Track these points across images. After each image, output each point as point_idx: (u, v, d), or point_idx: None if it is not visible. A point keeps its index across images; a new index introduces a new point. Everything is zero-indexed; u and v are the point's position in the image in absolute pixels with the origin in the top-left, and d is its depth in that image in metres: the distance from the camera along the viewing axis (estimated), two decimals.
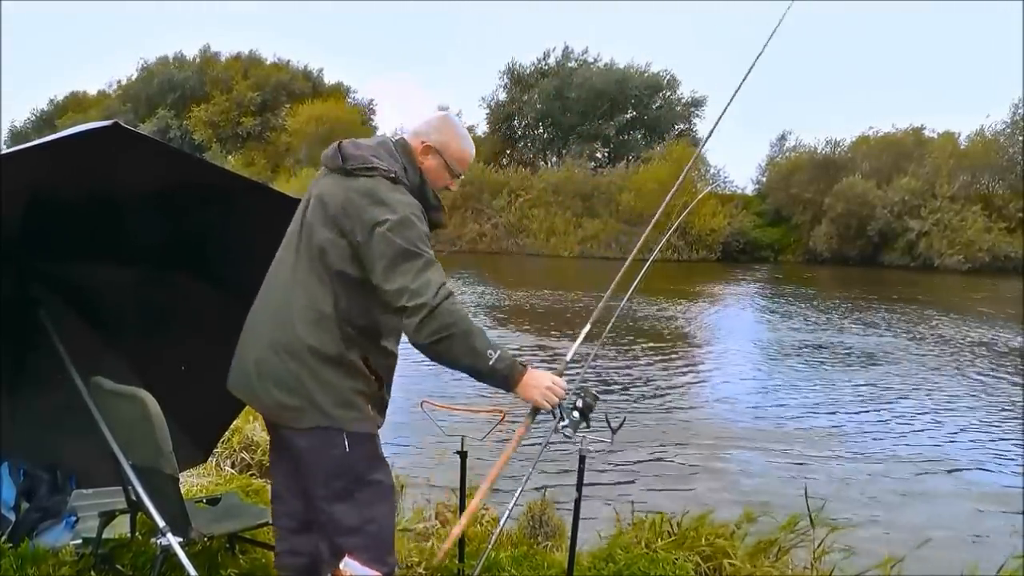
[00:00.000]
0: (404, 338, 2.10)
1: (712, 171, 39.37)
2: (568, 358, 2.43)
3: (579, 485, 2.65)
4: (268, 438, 2.37)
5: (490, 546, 2.86)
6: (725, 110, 2.65)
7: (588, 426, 2.20)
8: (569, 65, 44.50)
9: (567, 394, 2.16)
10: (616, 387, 9.39)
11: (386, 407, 2.18)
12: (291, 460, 2.15)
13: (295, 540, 2.27)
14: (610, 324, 2.83)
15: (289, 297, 2.08)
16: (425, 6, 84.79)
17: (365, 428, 2.07)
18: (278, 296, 2.11)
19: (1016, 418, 8.54)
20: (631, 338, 13.04)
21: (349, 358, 2.04)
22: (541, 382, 2.13)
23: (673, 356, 11.88)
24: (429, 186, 2.18)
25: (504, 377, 2.08)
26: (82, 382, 2.63)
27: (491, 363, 2.03)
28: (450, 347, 1.99)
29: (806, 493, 3.66)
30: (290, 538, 2.28)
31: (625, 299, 2.89)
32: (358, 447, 2.05)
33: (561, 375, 2.22)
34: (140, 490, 2.50)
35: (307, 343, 2.00)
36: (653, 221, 2.84)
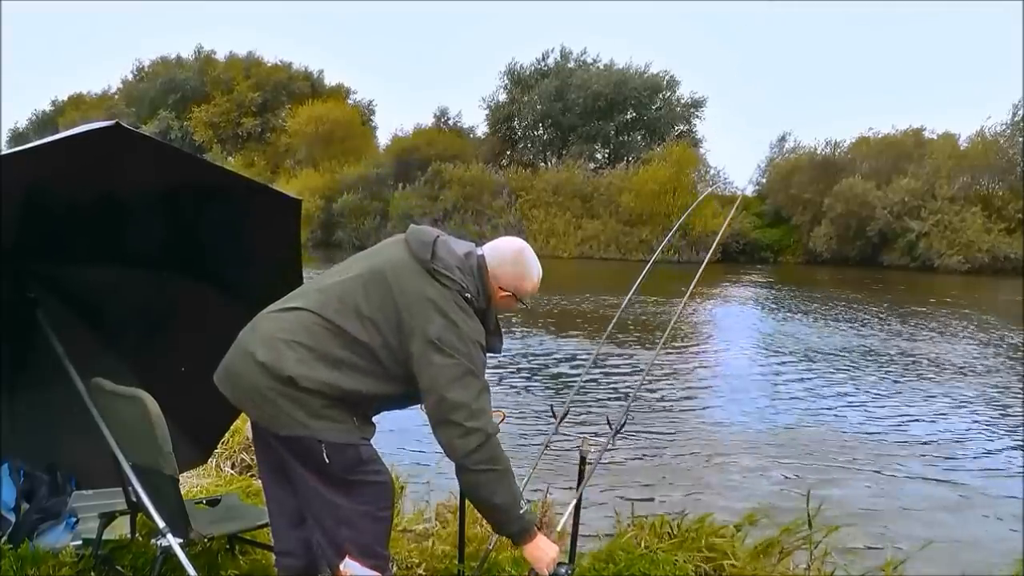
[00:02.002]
0: None
1: (712, 172, 39.46)
2: (559, 528, 2.54)
3: (580, 485, 2.64)
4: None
5: (490, 547, 2.86)
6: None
7: None
8: (568, 66, 44.54)
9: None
10: (618, 387, 9.39)
11: (371, 418, 2.15)
12: (276, 458, 2.14)
13: (292, 539, 2.27)
14: (668, 329, 3.13)
15: (298, 328, 2.06)
16: (425, 6, 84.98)
17: (347, 439, 2.03)
18: (290, 319, 2.09)
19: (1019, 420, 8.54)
20: (633, 338, 13.04)
21: (324, 393, 2.01)
22: (549, 552, 2.19)
23: (675, 356, 11.87)
24: (493, 311, 2.20)
25: (524, 530, 2.15)
26: (82, 383, 2.63)
27: (520, 511, 2.11)
28: (491, 481, 2.05)
29: (808, 498, 3.65)
30: (287, 537, 2.27)
31: (682, 304, 3.01)
32: (341, 455, 2.02)
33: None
34: (140, 491, 2.50)
35: (287, 374, 1.98)
36: (717, 241, 2.92)
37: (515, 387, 9.50)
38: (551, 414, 2.92)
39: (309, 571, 2.26)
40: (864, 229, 32.46)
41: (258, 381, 2.02)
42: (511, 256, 2.22)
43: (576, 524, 2.74)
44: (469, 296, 2.09)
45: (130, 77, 53.17)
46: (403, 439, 6.18)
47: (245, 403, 2.10)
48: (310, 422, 1.99)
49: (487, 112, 45.78)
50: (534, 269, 2.25)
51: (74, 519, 3.21)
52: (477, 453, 2.01)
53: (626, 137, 43.64)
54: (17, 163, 2.18)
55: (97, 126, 2.13)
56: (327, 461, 2.00)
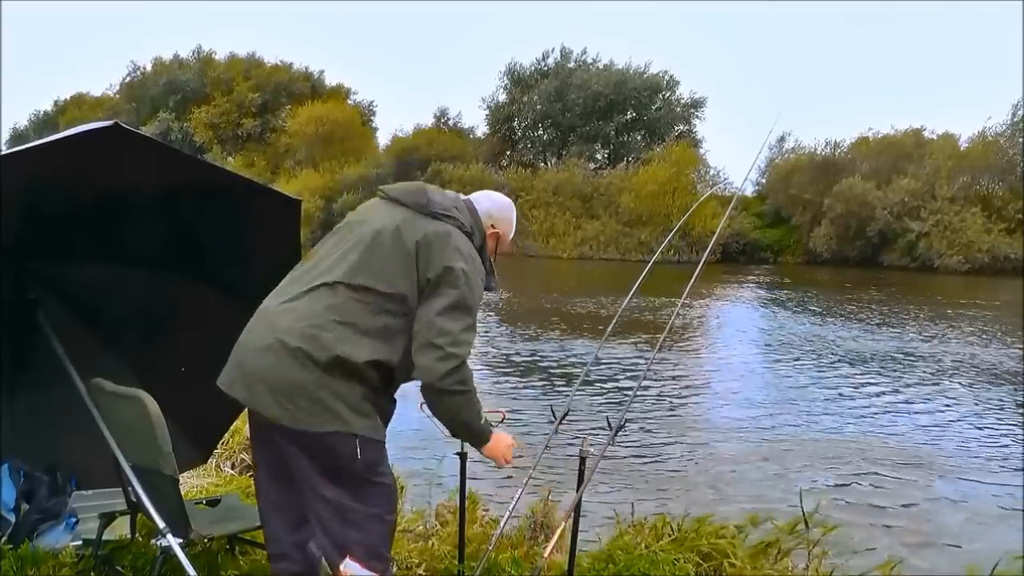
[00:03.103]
0: None
1: (712, 173, 39.45)
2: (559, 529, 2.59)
3: (580, 486, 2.64)
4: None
5: (490, 547, 2.86)
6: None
7: None
8: (568, 66, 44.55)
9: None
10: (617, 387, 9.39)
11: (389, 421, 2.21)
12: (278, 458, 2.14)
13: (289, 543, 2.26)
14: (668, 328, 3.38)
15: (323, 309, 2.06)
16: (425, 6, 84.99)
17: (376, 435, 2.10)
18: (310, 303, 2.08)
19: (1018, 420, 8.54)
20: (633, 338, 13.04)
21: (368, 373, 2.06)
22: (503, 442, 2.31)
23: (675, 356, 11.87)
24: (486, 252, 2.32)
25: (488, 436, 2.27)
26: (82, 383, 2.63)
27: (481, 422, 2.23)
28: (463, 401, 2.13)
29: (800, 497, 3.65)
30: (283, 541, 2.26)
31: (680, 303, 3.21)
32: (369, 451, 2.07)
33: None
34: (140, 491, 2.50)
35: (335, 354, 2.01)
36: (714, 240, 2.93)
37: (515, 387, 9.51)
38: (551, 414, 2.92)
39: (306, 574, 2.26)
40: (864, 229, 32.47)
41: (294, 376, 2.01)
42: (506, 210, 2.40)
43: (576, 524, 2.74)
44: (469, 230, 2.20)
45: (129, 79, 53.16)
46: (402, 439, 6.20)
47: (266, 403, 2.05)
48: (349, 416, 2.02)
49: (487, 112, 45.85)
50: (515, 220, 2.46)
51: (74, 519, 3.21)
52: (452, 376, 2.06)
53: (626, 137, 43.67)
54: (17, 163, 2.18)
55: (96, 126, 2.14)
56: (359, 456, 2.04)
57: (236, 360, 2.13)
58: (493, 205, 2.37)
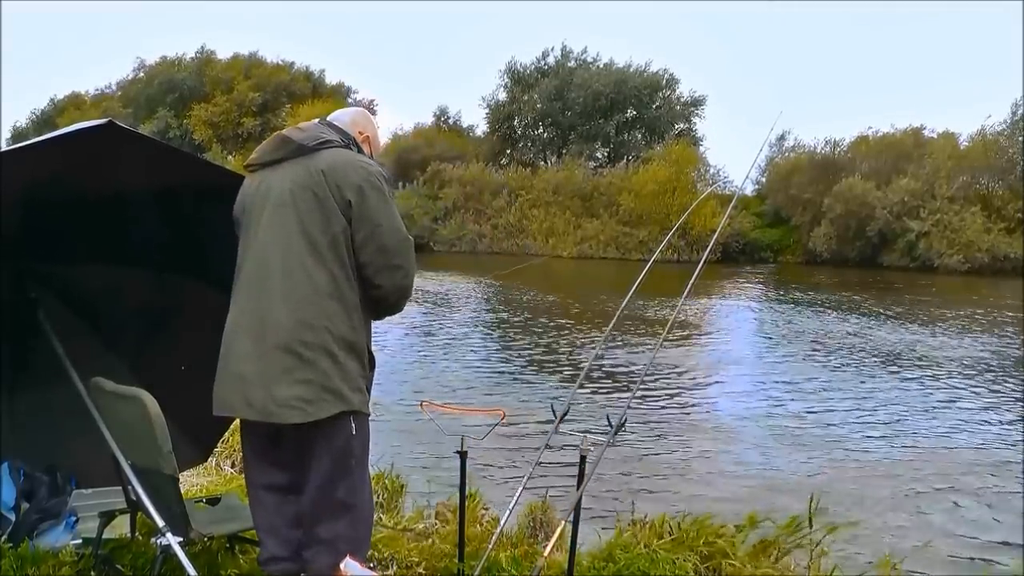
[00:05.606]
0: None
1: (712, 171, 39.41)
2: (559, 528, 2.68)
3: (580, 485, 2.64)
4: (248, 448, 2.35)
5: (490, 546, 2.86)
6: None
7: None
8: (568, 65, 44.51)
9: None
10: (617, 386, 9.39)
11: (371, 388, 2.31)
12: (289, 458, 2.16)
13: (283, 544, 2.27)
14: (668, 327, 3.06)
15: (293, 292, 2.10)
16: (425, 6, 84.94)
17: (367, 410, 2.21)
18: (278, 298, 2.12)
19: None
20: (633, 336, 13.04)
21: (360, 343, 2.14)
22: None
23: (676, 354, 11.87)
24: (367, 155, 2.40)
25: None
26: (82, 383, 2.63)
27: None
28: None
29: (809, 501, 3.64)
30: (277, 543, 2.28)
31: (680, 302, 3.42)
32: (362, 429, 2.18)
33: None
34: (140, 490, 2.50)
35: (329, 329, 2.07)
36: (714, 240, 2.96)
37: (514, 386, 9.51)
38: (551, 413, 2.92)
39: (300, 572, 2.27)
40: (864, 229, 32.43)
41: (298, 371, 2.05)
42: (364, 116, 2.54)
43: (576, 524, 2.74)
44: (347, 143, 2.29)
45: (131, 77, 53.15)
46: (402, 438, 6.19)
47: (279, 411, 2.08)
48: (351, 396, 2.10)
49: (487, 111, 45.74)
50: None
51: (74, 518, 3.21)
52: (411, 288, 2.25)
53: (626, 136, 43.60)
54: (12, 161, 2.18)
55: (91, 124, 2.13)
56: (354, 433, 2.13)
57: (232, 379, 2.15)
58: (352, 114, 2.49)
